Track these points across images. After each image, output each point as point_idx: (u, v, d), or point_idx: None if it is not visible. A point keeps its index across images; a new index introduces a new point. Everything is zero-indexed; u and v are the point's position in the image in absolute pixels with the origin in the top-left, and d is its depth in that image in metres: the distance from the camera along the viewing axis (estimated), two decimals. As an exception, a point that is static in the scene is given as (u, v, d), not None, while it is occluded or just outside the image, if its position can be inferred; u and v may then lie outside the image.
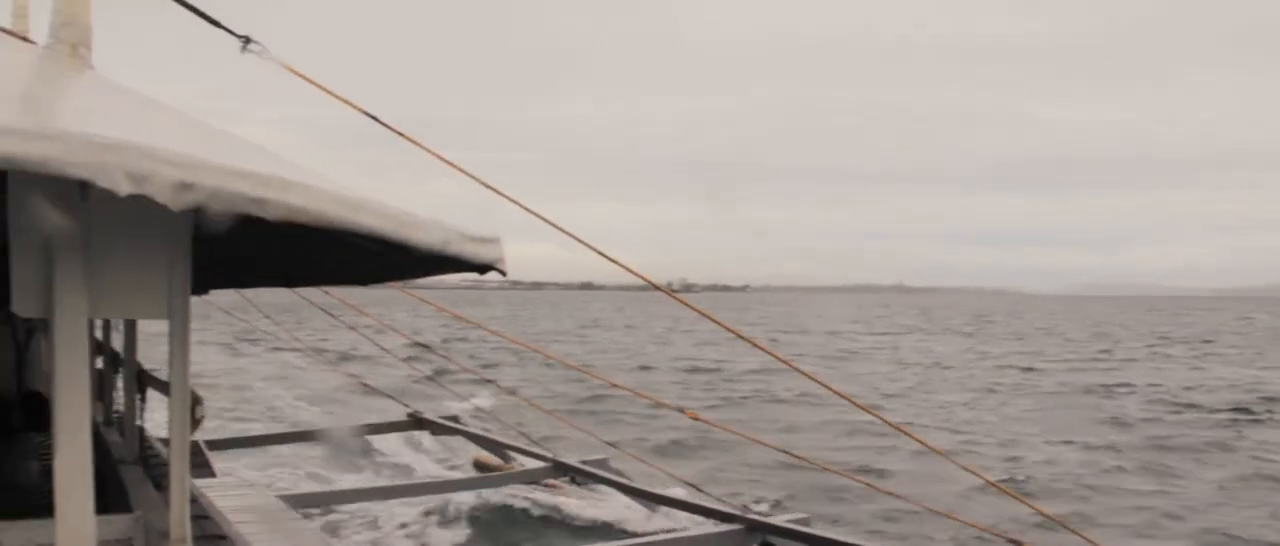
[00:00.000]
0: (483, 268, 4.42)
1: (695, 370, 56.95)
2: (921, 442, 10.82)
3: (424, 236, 4.13)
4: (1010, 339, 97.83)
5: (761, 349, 8.76)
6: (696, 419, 11.58)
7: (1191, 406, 41.90)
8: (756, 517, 14.81)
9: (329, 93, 6.38)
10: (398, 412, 23.64)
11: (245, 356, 50.51)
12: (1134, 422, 37.01)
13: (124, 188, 3.62)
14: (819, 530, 14.29)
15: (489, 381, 21.11)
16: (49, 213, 5.07)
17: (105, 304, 5.23)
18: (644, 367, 57.98)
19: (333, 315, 17.80)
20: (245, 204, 3.75)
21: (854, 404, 9.17)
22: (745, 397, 44.39)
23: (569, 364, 16.76)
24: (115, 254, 5.18)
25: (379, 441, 25.21)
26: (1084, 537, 10.49)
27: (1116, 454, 30.18)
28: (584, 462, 18.93)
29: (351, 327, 19.75)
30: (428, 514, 20.09)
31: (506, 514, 20.10)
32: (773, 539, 14.06)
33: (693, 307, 8.43)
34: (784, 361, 8.73)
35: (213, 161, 3.77)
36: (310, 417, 31.68)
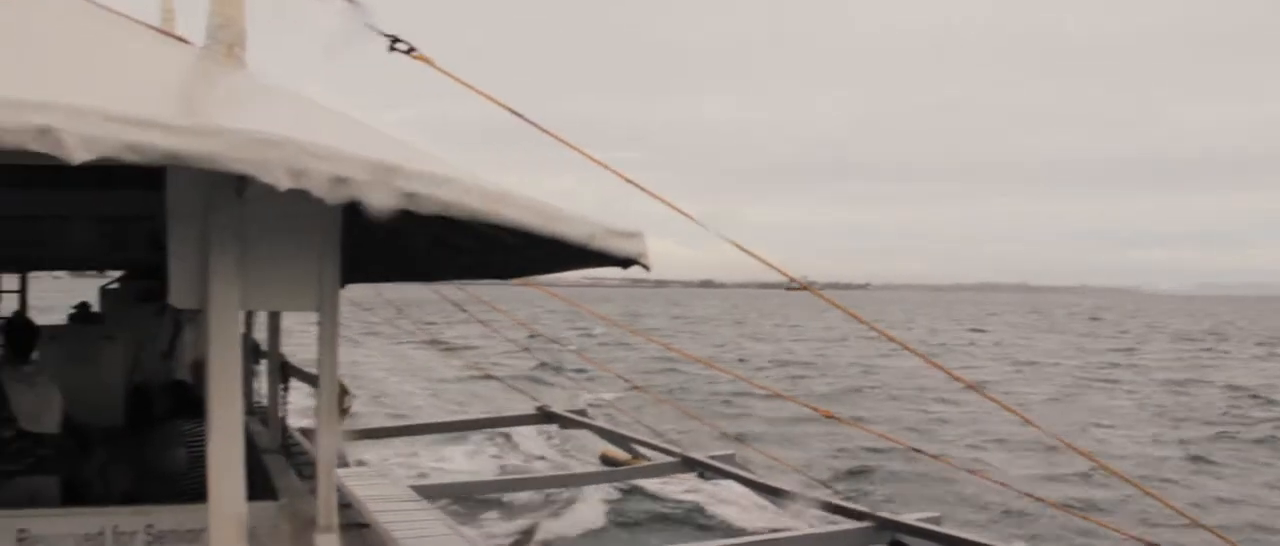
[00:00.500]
0: (625, 262, 4.40)
1: (785, 363, 56.82)
2: (1089, 456, 10.48)
3: (570, 230, 4.13)
4: (1112, 335, 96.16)
5: (910, 350, 8.60)
6: (830, 416, 11.46)
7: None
8: (886, 515, 14.63)
9: (475, 90, 6.43)
10: (526, 406, 23.84)
11: (363, 347, 51.13)
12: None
13: (283, 182, 3.67)
14: (951, 529, 14.09)
15: (619, 378, 21.14)
16: (206, 207, 5.18)
17: (257, 296, 5.33)
18: (741, 360, 57.51)
19: (464, 310, 17.96)
20: (398, 198, 3.78)
21: (1004, 405, 8.93)
22: (856, 391, 43.90)
23: (699, 359, 16.62)
24: (267, 248, 5.27)
25: (508, 434, 25.40)
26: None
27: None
28: (712, 457, 18.89)
29: (481, 322, 19.91)
30: (555, 507, 20.15)
31: (633, 508, 20.11)
32: (903, 537, 13.89)
33: (835, 304, 8.32)
34: (937, 365, 8.59)
35: (367, 156, 3.80)
36: (439, 411, 32.02)
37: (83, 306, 20.19)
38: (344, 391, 5.62)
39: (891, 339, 8.31)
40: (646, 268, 4.45)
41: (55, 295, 21.06)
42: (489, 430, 24.81)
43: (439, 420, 26.74)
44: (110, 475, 9.62)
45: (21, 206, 8.97)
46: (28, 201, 8.88)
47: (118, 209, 8.95)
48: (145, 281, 18.58)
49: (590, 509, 19.96)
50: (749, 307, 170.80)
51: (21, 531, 6.18)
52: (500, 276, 7.37)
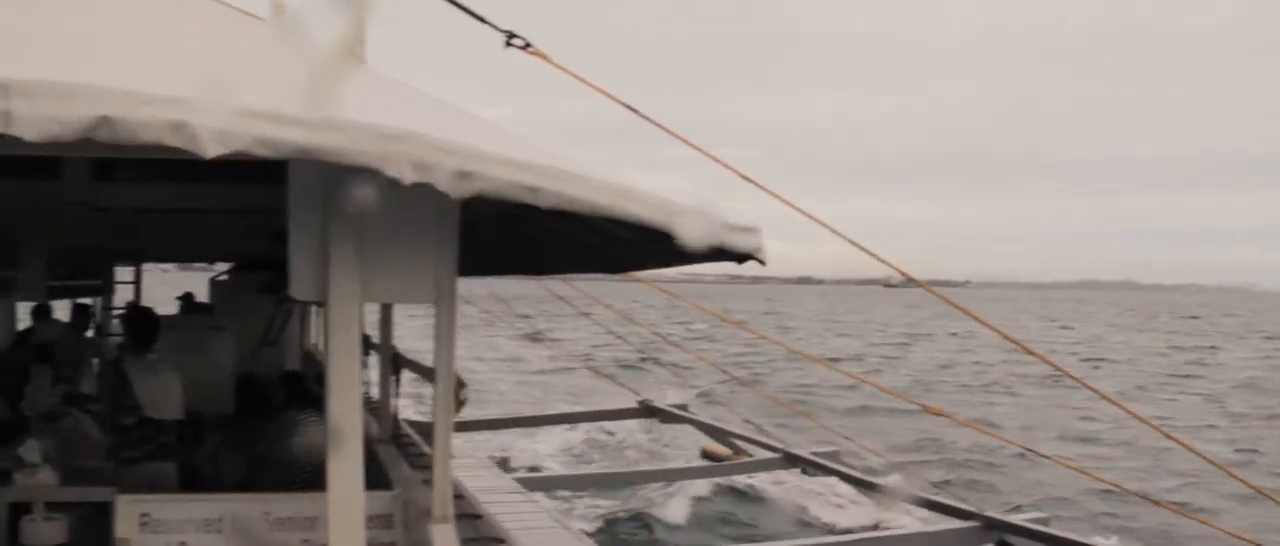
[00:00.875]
0: (741, 257, 4.36)
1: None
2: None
3: (691, 225, 4.10)
4: (1203, 333, 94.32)
5: (1037, 356, 8.44)
6: (939, 414, 11.30)
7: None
8: (994, 515, 14.42)
9: (591, 85, 6.43)
10: (628, 401, 23.87)
11: (461, 341, 51.35)
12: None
13: (408, 176, 3.70)
14: (1060, 530, 13.85)
15: (722, 371, 21.09)
16: (327, 201, 5.24)
17: (376, 288, 5.39)
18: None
19: (569, 304, 18.01)
20: (520, 193, 3.80)
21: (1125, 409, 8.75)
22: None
23: (807, 356, 16.53)
24: (387, 241, 5.32)
25: (609, 428, 25.46)
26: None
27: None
28: (814, 454, 18.74)
29: (584, 314, 19.95)
30: (656, 501, 20.15)
31: (734, 504, 20.08)
32: (1010, 538, 13.68)
33: (946, 299, 8.21)
34: (1067, 373, 8.43)
35: (490, 151, 3.81)
36: (539, 405, 32.19)
37: (187, 297, 20.69)
38: (460, 383, 5.65)
39: (1008, 337, 8.14)
40: (763, 262, 4.42)
41: (157, 288, 21.58)
42: (590, 424, 24.90)
43: (541, 413, 26.88)
44: (222, 462, 9.81)
45: (141, 199, 9.16)
46: (146, 195, 9.06)
47: (236, 202, 9.09)
48: (265, 273, 19.00)
49: (691, 504, 19.92)
50: (848, 305, 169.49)
51: (144, 516, 6.33)
52: (611, 271, 7.40)
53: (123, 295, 21.96)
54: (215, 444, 10.50)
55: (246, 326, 17.38)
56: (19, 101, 3.39)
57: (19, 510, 8.15)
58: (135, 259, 20.48)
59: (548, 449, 24.27)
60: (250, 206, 9.23)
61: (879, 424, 29.76)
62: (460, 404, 5.74)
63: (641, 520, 19.32)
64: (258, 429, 10.21)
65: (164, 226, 12.40)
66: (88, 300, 20.57)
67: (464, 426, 21.17)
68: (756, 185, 6.66)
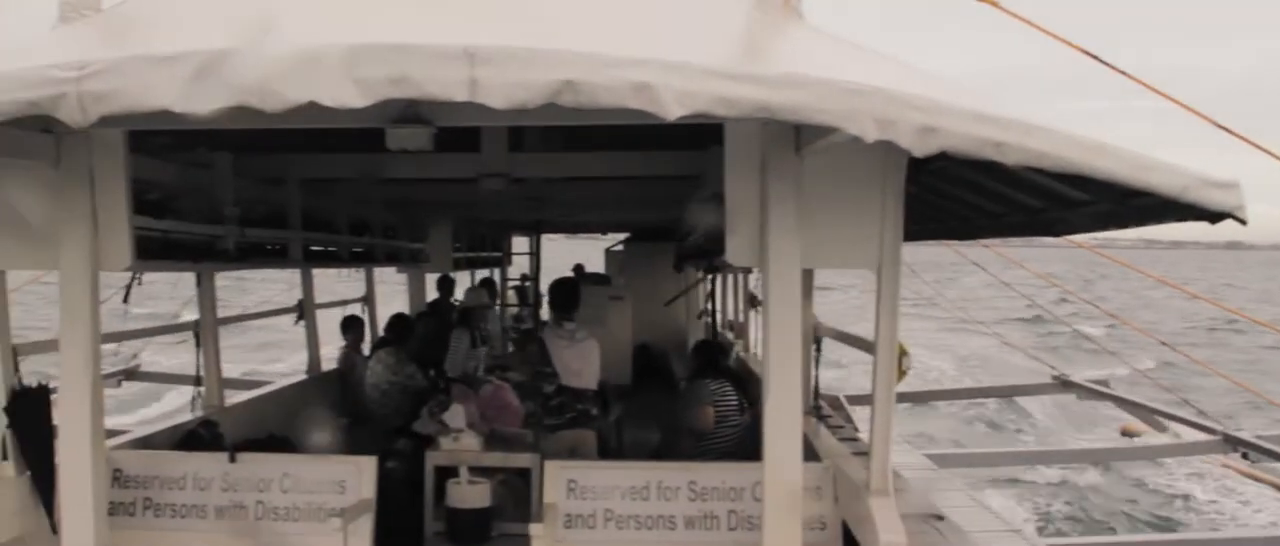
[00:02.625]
0: (1216, 216, 4.10)
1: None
2: None
3: (1163, 181, 3.92)
4: None
5: None
6: None
7: None
8: None
9: (1048, 33, 6.31)
10: (1042, 375, 23.19)
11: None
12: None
13: (872, 133, 3.71)
14: None
15: (1163, 344, 20.09)
16: (764, 165, 5.33)
17: (816, 253, 5.44)
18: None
19: (985, 269, 17.64)
20: (986, 148, 3.74)
21: None
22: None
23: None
24: (829, 204, 5.36)
25: (1022, 404, 24.89)
26: None
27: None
28: (1261, 438, 17.62)
29: (1006, 284, 19.49)
30: (1070, 481, 19.65)
31: (1158, 488, 19.30)
32: None
33: None
34: None
35: (953, 104, 3.78)
36: (947, 377, 31.76)
37: (579, 268, 21.56)
38: (902, 352, 5.63)
39: None
40: (1243, 221, 4.16)
41: (548, 259, 22.64)
42: (1001, 398, 24.40)
43: (949, 387, 26.52)
44: (625, 431, 10.19)
45: (554, 169, 9.61)
46: (559, 165, 9.48)
47: (649, 169, 9.38)
48: (661, 243, 19.60)
49: (1108, 485, 19.32)
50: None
51: (571, 482, 6.62)
52: (1053, 234, 7.20)
53: (518, 267, 23.12)
54: (619, 413, 10.94)
55: (642, 296, 18.02)
56: (484, 69, 3.62)
57: (444, 473, 8.81)
58: (532, 230, 21.42)
59: (956, 423, 23.97)
60: (665, 173, 9.53)
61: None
62: (902, 373, 5.70)
63: (1052, 499, 18.85)
64: (665, 399, 10.58)
65: (568, 197, 12.95)
66: (485, 272, 21.73)
67: (857, 401, 21.12)
68: (1240, 138, 6.32)
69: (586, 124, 5.11)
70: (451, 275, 17.70)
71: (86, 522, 5.77)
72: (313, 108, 3.60)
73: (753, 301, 14.10)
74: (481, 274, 21.37)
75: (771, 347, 5.49)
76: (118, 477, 6.69)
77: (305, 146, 9.08)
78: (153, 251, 7.01)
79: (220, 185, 8.51)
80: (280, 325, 13.62)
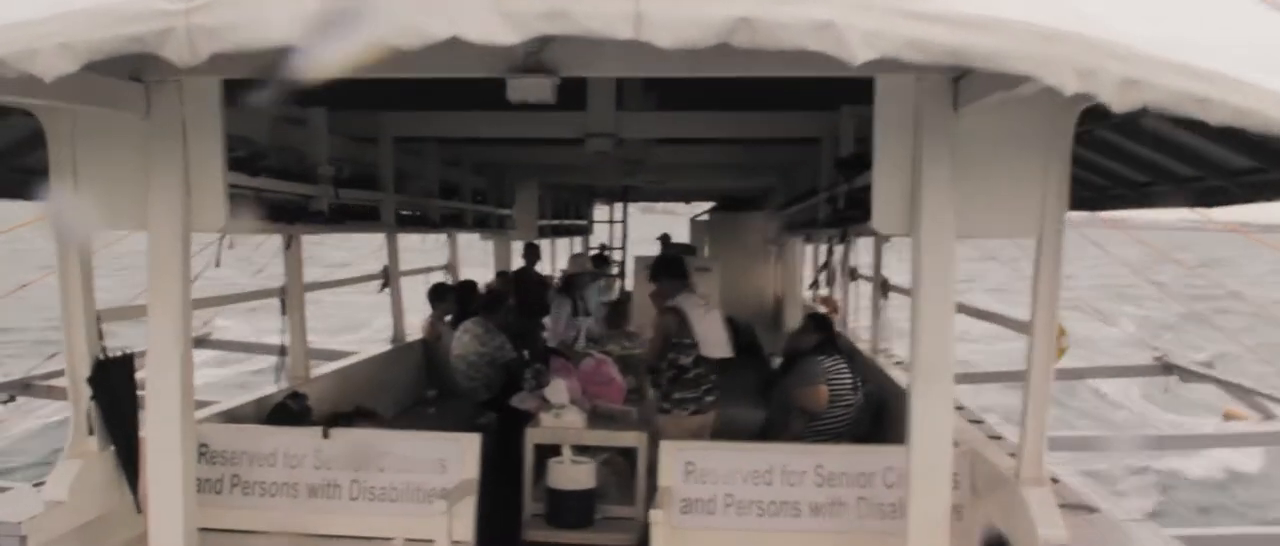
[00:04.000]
0: None
1: None
2: None
3: None
4: None
5: None
6: None
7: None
8: None
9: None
10: (1143, 356, 22.61)
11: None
12: None
13: (1071, 85, 3.30)
14: None
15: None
16: (917, 123, 4.96)
17: (971, 221, 5.05)
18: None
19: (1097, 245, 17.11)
20: (1188, 104, 3.31)
21: None
22: None
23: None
24: (985, 167, 4.98)
25: (1120, 386, 24.30)
26: None
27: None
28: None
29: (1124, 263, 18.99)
30: (1174, 468, 19.48)
31: (1267, 477, 18.82)
32: None
33: None
34: None
35: (1157, 55, 3.36)
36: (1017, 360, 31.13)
37: (665, 238, 21.24)
38: (1060, 330, 5.24)
39: None
40: None
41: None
42: (1097, 379, 23.81)
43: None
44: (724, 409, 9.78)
45: (663, 129, 9.36)
46: (670, 125, 9.18)
47: (766, 132, 9.06)
48: (746, 214, 19.24)
49: (1210, 474, 19.27)
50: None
51: (689, 464, 6.32)
52: (1205, 204, 6.87)
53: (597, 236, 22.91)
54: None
55: (729, 268, 17.65)
56: (652, 3, 3.28)
57: (544, 451, 8.42)
58: (619, 198, 21.19)
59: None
60: (782, 136, 9.16)
61: None
62: (1060, 351, 5.31)
63: (1154, 486, 18.38)
64: (759, 376, 10.17)
65: (665, 160, 12.63)
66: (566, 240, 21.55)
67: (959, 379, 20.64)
68: None
69: (747, 75, 4.74)
70: (537, 243, 17.35)
71: (175, 501, 5.50)
72: (445, 50, 3.29)
73: (852, 274, 13.68)
74: (563, 242, 21.18)
75: (922, 321, 5.11)
76: (204, 452, 6.44)
77: (401, 103, 8.79)
78: (243, 212, 6.71)
79: (315, 142, 8.19)
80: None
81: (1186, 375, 21.50)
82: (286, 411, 7.90)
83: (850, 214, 7.13)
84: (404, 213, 10.71)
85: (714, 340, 8.83)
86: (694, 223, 22.49)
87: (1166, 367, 21.89)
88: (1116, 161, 6.94)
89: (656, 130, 9.34)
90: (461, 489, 6.26)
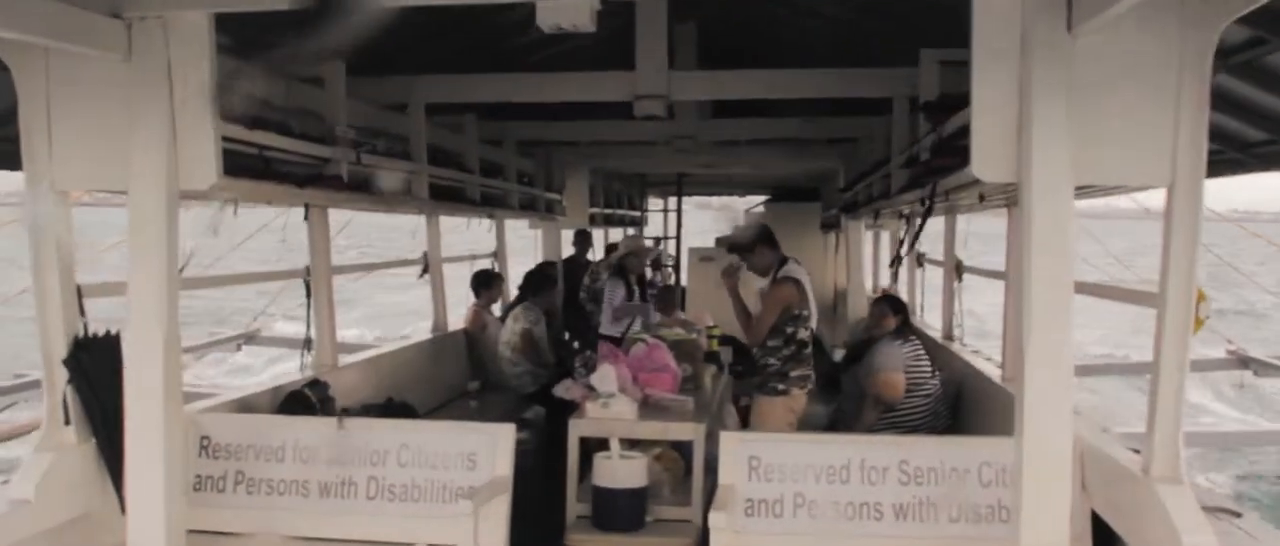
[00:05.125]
0: None
1: None
2: None
3: None
4: None
5: None
6: None
7: None
8: None
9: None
10: (1216, 348, 21.74)
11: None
12: None
13: None
14: None
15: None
16: (1024, 47, 4.19)
17: (1091, 165, 4.20)
18: None
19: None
20: None
21: None
22: None
23: None
24: (1106, 100, 4.15)
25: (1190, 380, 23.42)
26: None
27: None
28: None
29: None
30: (1237, 466, 18.92)
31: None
32: None
33: None
34: None
35: None
36: (1101, 346, 30.17)
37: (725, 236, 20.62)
38: (1200, 296, 4.31)
39: None
40: None
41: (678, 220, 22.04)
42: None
43: (1094, 363, 25.09)
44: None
45: (715, 90, 8.78)
46: (722, 85, 8.58)
47: (826, 90, 8.35)
48: (801, 204, 18.64)
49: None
50: None
51: (753, 460, 5.49)
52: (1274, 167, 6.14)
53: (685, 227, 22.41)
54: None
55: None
56: None
57: (590, 445, 7.50)
58: (673, 187, 20.71)
59: (1117, 398, 22.55)
60: (845, 95, 8.44)
61: None
62: (1199, 323, 4.37)
63: (1214, 483, 17.52)
64: (818, 365, 9.44)
65: (720, 135, 12.10)
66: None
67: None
68: None
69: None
70: (589, 230, 16.51)
71: (155, 501, 4.73)
72: None
73: (919, 260, 12.80)
74: (616, 233, 20.63)
75: (1034, 291, 4.26)
76: (205, 446, 5.63)
77: (433, 66, 7.99)
78: (247, 174, 5.85)
79: (333, 102, 7.31)
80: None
81: (1263, 368, 20.58)
82: (302, 401, 7.01)
83: (940, 164, 6.16)
84: (443, 184, 9.75)
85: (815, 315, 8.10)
86: (748, 215, 21.90)
87: (1242, 361, 20.96)
88: (1238, 118, 6.02)
89: (710, 91, 8.63)
90: (492, 488, 5.41)
